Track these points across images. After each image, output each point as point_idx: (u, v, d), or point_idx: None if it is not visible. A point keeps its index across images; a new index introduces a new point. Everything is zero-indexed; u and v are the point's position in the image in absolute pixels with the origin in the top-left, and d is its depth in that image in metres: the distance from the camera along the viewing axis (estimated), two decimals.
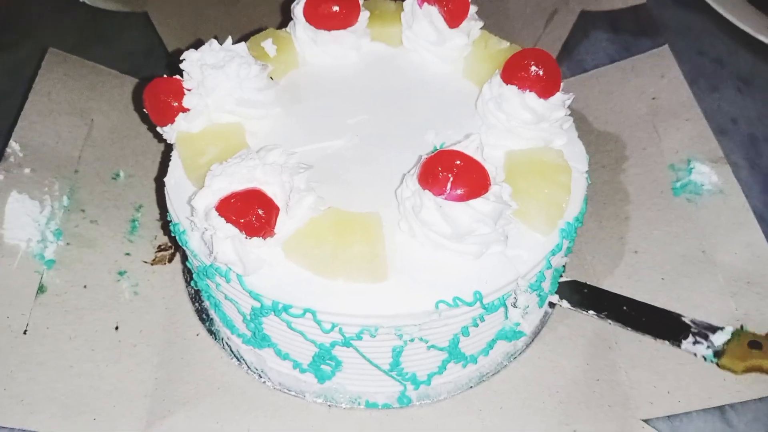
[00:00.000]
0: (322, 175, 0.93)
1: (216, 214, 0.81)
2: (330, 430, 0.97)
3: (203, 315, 1.08)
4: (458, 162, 0.80)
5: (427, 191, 0.81)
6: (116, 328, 1.05)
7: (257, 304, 0.86)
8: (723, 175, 1.18)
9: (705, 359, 0.98)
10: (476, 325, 0.88)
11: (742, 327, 1.01)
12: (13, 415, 0.95)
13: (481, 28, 1.09)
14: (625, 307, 1.04)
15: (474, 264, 0.85)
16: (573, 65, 1.47)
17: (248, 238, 0.81)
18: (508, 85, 0.94)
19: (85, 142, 1.26)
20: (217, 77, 0.95)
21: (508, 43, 1.06)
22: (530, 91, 0.93)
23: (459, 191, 0.79)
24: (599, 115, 1.35)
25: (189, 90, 0.96)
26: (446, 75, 1.08)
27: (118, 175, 1.25)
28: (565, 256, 0.98)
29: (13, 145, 1.20)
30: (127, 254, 1.14)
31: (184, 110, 0.96)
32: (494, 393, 1.00)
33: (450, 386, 1.00)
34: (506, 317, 0.93)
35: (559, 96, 0.95)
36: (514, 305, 0.90)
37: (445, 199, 0.80)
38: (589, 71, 1.43)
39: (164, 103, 0.96)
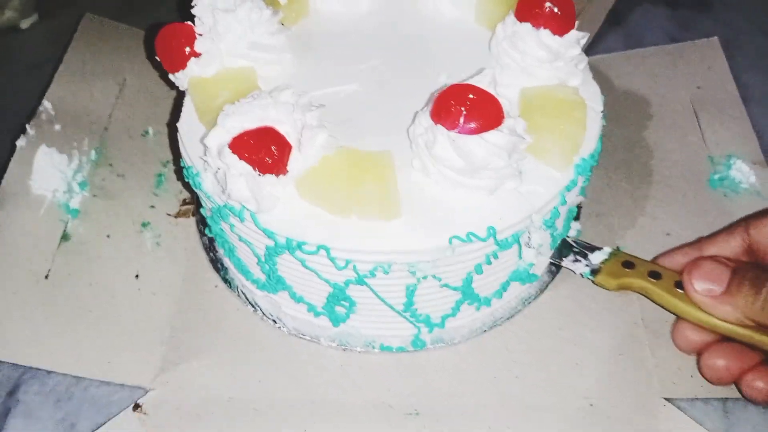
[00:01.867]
0: (335, 117, 0.93)
1: (229, 151, 0.81)
2: (345, 374, 0.98)
3: (218, 264, 1.09)
4: (471, 95, 0.79)
5: (439, 126, 0.81)
6: (136, 276, 1.07)
7: (271, 243, 0.86)
8: (762, 177, 1.16)
9: (582, 276, 1.00)
10: (489, 263, 0.88)
11: (618, 248, 1.02)
12: (28, 355, 0.97)
13: None
14: None
15: (488, 200, 0.85)
16: (620, 37, 1.44)
17: (261, 175, 0.82)
18: (522, 23, 0.93)
19: (117, 101, 1.28)
20: (228, 21, 0.95)
21: None
22: (545, 28, 0.92)
23: (472, 124, 0.79)
24: (642, 95, 1.32)
25: (200, 35, 0.96)
26: (458, 19, 1.08)
27: (147, 132, 1.26)
28: (580, 194, 0.97)
29: (45, 104, 1.23)
30: (152, 207, 1.15)
31: (196, 55, 0.96)
32: (508, 339, 1.00)
33: (464, 330, 1.00)
34: (520, 256, 0.93)
35: (574, 33, 0.94)
36: (528, 244, 0.89)
37: (459, 132, 0.79)
38: (635, 48, 1.41)
39: (176, 48, 0.96)
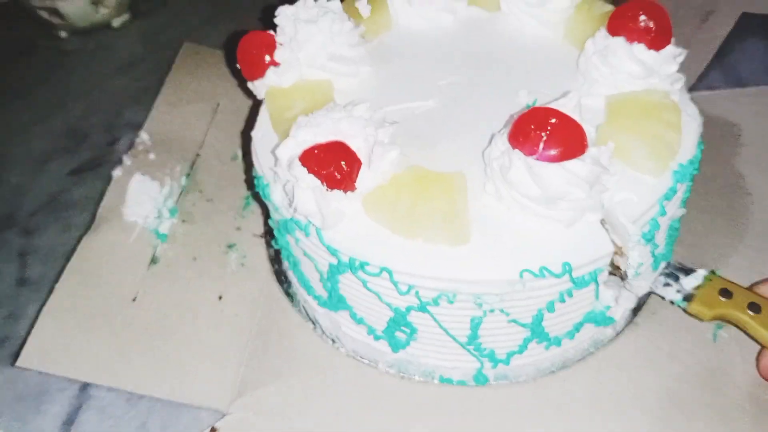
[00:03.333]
0: (409, 134, 0.90)
1: (299, 164, 0.79)
2: (401, 403, 0.93)
3: (281, 277, 1.07)
4: (553, 120, 0.74)
5: (517, 150, 0.76)
6: (220, 297, 1.07)
7: (334, 261, 0.83)
8: None
9: (673, 303, 0.92)
10: (563, 301, 0.82)
11: (713, 272, 0.93)
12: (111, 375, 0.98)
13: None
14: None
15: (565, 233, 0.79)
16: (726, 73, 1.35)
17: (329, 190, 0.79)
18: (615, 37, 0.88)
19: (210, 126, 1.31)
20: (309, 31, 0.94)
21: (613, 7, 0.99)
22: (639, 42, 0.87)
23: (552, 151, 0.74)
24: (754, 138, 1.23)
25: (281, 44, 0.96)
26: (545, 38, 1.03)
27: (236, 156, 1.27)
28: (681, 206, 0.89)
29: (143, 136, 1.29)
30: (238, 229, 1.16)
31: (275, 64, 0.95)
32: (577, 383, 0.93)
33: (530, 369, 0.94)
34: (597, 297, 0.86)
35: (670, 49, 0.87)
36: (626, 267, 0.83)
37: (537, 159, 0.74)
38: (744, 84, 1.32)
39: (256, 56, 0.96)
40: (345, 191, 0.80)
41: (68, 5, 1.49)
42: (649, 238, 0.82)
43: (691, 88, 1.30)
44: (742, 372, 0.93)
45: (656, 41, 0.87)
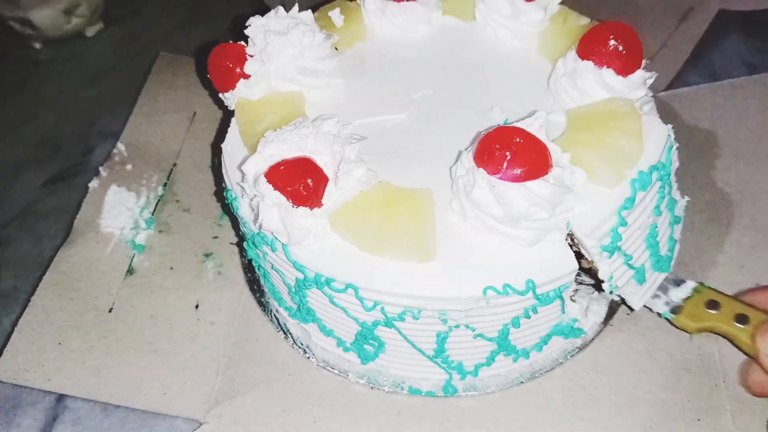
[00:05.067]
0: (379, 148, 0.90)
1: (264, 180, 0.79)
2: (371, 413, 0.94)
3: (254, 286, 1.07)
4: (517, 139, 0.74)
5: (481, 169, 0.76)
6: (196, 306, 1.07)
7: (301, 276, 0.84)
8: None
9: (660, 316, 0.93)
10: (528, 317, 0.83)
11: (702, 283, 0.93)
12: (86, 387, 0.98)
13: (560, 3, 1.02)
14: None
15: (529, 250, 0.79)
16: (703, 70, 1.35)
17: (295, 207, 0.79)
18: (584, 61, 0.87)
19: (186, 135, 1.31)
20: (279, 43, 0.94)
21: (589, 20, 0.99)
22: (608, 67, 0.86)
23: (516, 171, 0.74)
24: (731, 131, 1.23)
25: (251, 56, 0.95)
26: (520, 51, 1.02)
27: (214, 163, 1.27)
28: (655, 214, 0.87)
29: (120, 147, 1.28)
30: (215, 237, 1.16)
31: (246, 76, 0.95)
32: (547, 392, 0.94)
33: (499, 380, 0.95)
34: (563, 311, 0.87)
35: (639, 74, 0.87)
36: (601, 281, 0.83)
37: (500, 178, 0.75)
38: (720, 79, 1.32)
39: (226, 68, 0.96)
40: (311, 208, 0.80)
41: (40, 15, 1.47)
42: (611, 250, 0.82)
43: (670, 85, 1.31)
44: (721, 369, 0.94)
45: (625, 66, 0.86)
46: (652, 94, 0.92)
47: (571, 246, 0.84)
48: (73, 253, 1.13)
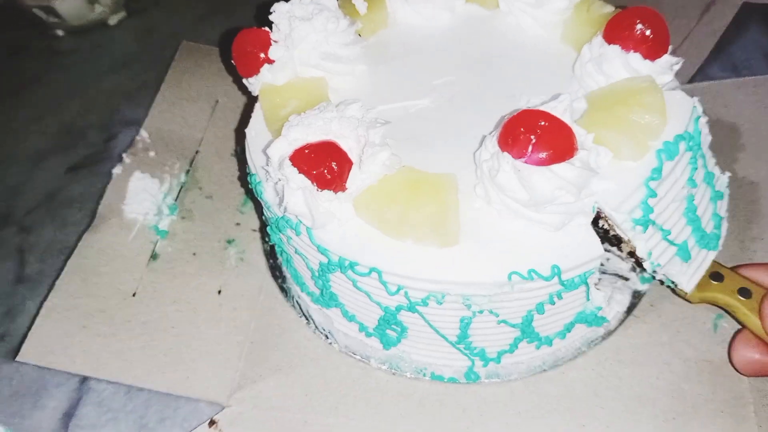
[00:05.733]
0: (402, 133, 0.90)
1: (289, 163, 0.80)
2: (392, 399, 0.94)
3: (276, 272, 1.08)
4: (542, 123, 0.74)
5: (506, 153, 0.76)
6: (219, 292, 1.07)
7: (325, 260, 0.84)
8: None
9: (662, 283, 0.93)
10: (553, 303, 0.82)
11: None
12: (110, 369, 1.00)
13: None
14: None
15: (555, 235, 0.79)
16: (725, 64, 1.33)
17: (319, 190, 0.79)
18: (611, 45, 0.87)
19: (209, 123, 1.32)
20: (304, 29, 0.94)
21: (613, 8, 0.98)
22: (635, 51, 0.85)
23: (541, 154, 0.74)
24: (755, 127, 1.21)
25: (276, 41, 0.96)
26: (543, 39, 1.01)
27: (236, 151, 1.28)
28: (689, 185, 0.86)
29: (143, 134, 1.29)
30: (237, 224, 1.17)
31: (270, 62, 0.95)
32: (569, 381, 0.94)
33: (522, 367, 0.94)
34: (587, 298, 0.87)
35: (666, 59, 0.86)
36: (636, 262, 0.83)
37: (525, 162, 0.74)
38: (741, 72, 1.30)
39: (250, 53, 0.96)
40: (335, 192, 0.80)
41: (64, 3, 1.48)
42: (644, 223, 0.81)
43: (692, 79, 1.30)
44: None
45: (652, 50, 0.85)
46: (677, 82, 0.91)
47: (608, 231, 0.83)
48: (97, 239, 1.14)
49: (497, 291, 0.79)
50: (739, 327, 0.92)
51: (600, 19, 0.96)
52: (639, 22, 0.86)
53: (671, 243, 0.86)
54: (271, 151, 0.82)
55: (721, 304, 0.91)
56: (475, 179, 0.82)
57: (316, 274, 0.89)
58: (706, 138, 0.90)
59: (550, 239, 0.79)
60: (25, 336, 1.03)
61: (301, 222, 0.83)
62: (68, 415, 0.97)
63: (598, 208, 0.81)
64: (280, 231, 0.90)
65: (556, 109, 0.76)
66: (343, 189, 0.81)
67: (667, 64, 0.87)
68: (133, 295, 1.08)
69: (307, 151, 0.80)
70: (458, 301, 0.81)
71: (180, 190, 1.21)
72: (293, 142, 0.81)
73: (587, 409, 0.91)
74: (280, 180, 0.81)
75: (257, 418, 0.94)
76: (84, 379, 1.00)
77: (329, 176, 0.79)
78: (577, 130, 0.77)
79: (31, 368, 1.01)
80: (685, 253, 0.88)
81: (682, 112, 0.85)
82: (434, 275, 0.79)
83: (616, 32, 0.87)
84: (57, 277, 1.10)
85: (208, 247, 1.14)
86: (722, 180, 0.97)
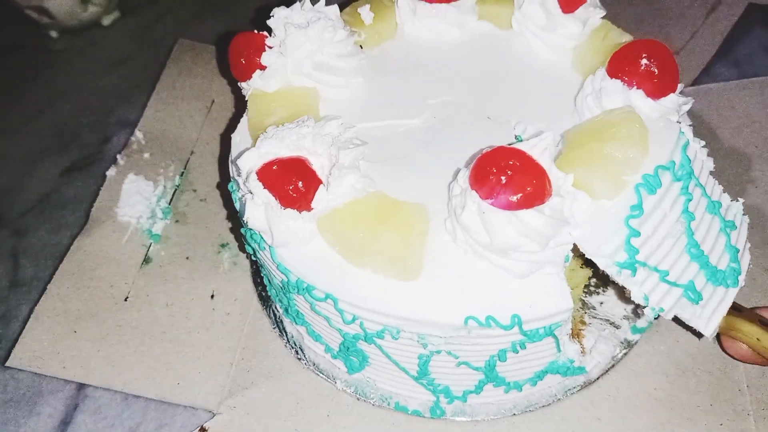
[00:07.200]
0: (383, 154, 0.86)
1: (255, 177, 0.77)
2: (354, 425, 0.91)
3: (257, 279, 1.06)
4: (512, 162, 0.69)
5: (473, 192, 0.71)
6: (212, 296, 1.06)
7: (285, 279, 0.81)
8: None
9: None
10: (516, 351, 0.78)
11: None
12: (100, 375, 0.98)
13: (604, 17, 0.95)
14: None
15: (521, 282, 0.74)
16: (730, 65, 1.30)
17: (283, 208, 0.77)
18: (613, 80, 0.81)
19: (204, 124, 1.30)
20: (298, 37, 0.91)
21: (631, 37, 0.91)
22: (638, 88, 0.79)
23: (509, 197, 0.69)
24: (762, 128, 1.18)
25: (270, 47, 0.93)
26: (553, 65, 0.95)
27: (223, 153, 1.26)
28: (687, 219, 0.79)
29: (137, 134, 1.28)
30: (231, 228, 1.15)
31: (262, 68, 0.93)
32: (545, 425, 0.89)
33: (491, 408, 0.90)
34: (558, 349, 0.81)
35: (673, 98, 0.79)
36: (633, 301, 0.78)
37: (492, 204, 0.69)
38: (748, 76, 1.27)
39: (245, 57, 0.94)
40: (299, 210, 0.77)
41: (56, 4, 1.45)
42: (630, 266, 0.75)
43: (697, 80, 1.28)
44: (744, 373, 0.90)
45: (657, 88, 0.79)
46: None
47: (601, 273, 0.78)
48: (89, 242, 1.13)
49: (453, 333, 0.74)
50: None
51: (613, 48, 0.90)
52: (645, 57, 0.79)
53: (673, 284, 0.80)
54: (241, 161, 0.80)
55: (742, 335, 0.83)
56: (446, 213, 0.78)
57: (281, 290, 0.87)
58: (705, 165, 0.83)
59: (516, 285, 0.74)
60: (17, 341, 1.02)
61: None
62: (64, 423, 0.96)
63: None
64: (248, 242, 0.88)
65: (535, 148, 0.71)
66: (308, 209, 0.78)
67: (674, 105, 0.80)
68: (125, 299, 1.06)
69: (275, 168, 0.78)
70: (414, 339, 0.77)
71: (174, 193, 1.20)
72: (264, 155, 0.79)
73: (581, 419, 0.88)
74: (244, 194, 0.79)
75: (248, 426, 0.92)
76: (80, 386, 0.98)
77: (294, 195, 0.77)
78: (554, 173, 0.71)
79: (26, 375, 1.00)
80: (694, 294, 0.81)
81: (666, 140, 0.78)
82: (389, 309, 0.75)
83: (619, 66, 0.81)
84: (49, 282, 1.09)
85: (202, 251, 1.12)
86: (734, 208, 0.89)
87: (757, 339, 0.82)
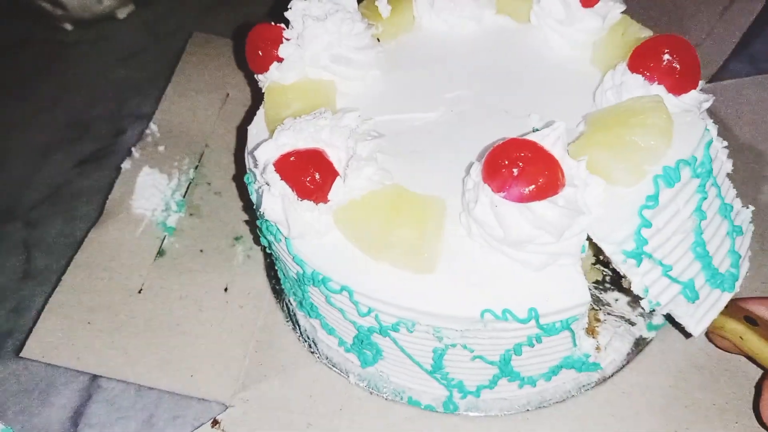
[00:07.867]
0: (400, 147, 0.86)
1: (272, 169, 0.77)
2: (366, 420, 0.91)
3: (271, 272, 1.06)
4: (524, 154, 0.68)
5: (486, 185, 0.70)
6: (225, 289, 1.06)
7: (300, 270, 0.81)
8: None
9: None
10: (532, 345, 0.77)
11: None
12: (114, 367, 0.99)
13: (623, 12, 0.94)
14: None
15: (537, 275, 0.73)
16: (745, 61, 1.29)
17: (299, 199, 0.77)
18: (634, 74, 0.80)
19: (218, 117, 1.30)
20: (316, 29, 0.91)
21: (651, 32, 0.90)
22: (659, 83, 0.78)
23: (521, 190, 0.68)
24: None
25: (287, 39, 0.93)
26: (571, 60, 0.95)
27: (239, 145, 1.25)
28: (698, 217, 0.78)
29: (152, 127, 1.28)
30: (246, 221, 1.15)
31: (280, 60, 0.93)
32: (556, 425, 0.88)
33: (504, 403, 0.89)
34: (574, 344, 0.81)
35: (694, 95, 0.79)
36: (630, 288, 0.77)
37: (504, 197, 0.69)
38: (764, 72, 1.26)
39: (262, 49, 0.94)
40: (316, 202, 0.77)
41: None
42: (637, 256, 0.75)
43: (714, 77, 1.27)
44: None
45: (679, 84, 0.78)
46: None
47: (607, 265, 0.77)
48: (104, 234, 1.14)
49: (469, 327, 0.74)
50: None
51: (633, 43, 0.89)
52: (667, 52, 0.78)
53: (674, 280, 0.79)
54: (258, 153, 0.80)
55: (727, 332, 0.84)
56: (461, 207, 0.78)
57: (296, 283, 0.87)
58: (723, 166, 0.82)
59: (532, 278, 0.74)
60: (31, 332, 1.03)
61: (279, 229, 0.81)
62: (78, 414, 0.96)
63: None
64: (263, 234, 0.88)
65: (547, 139, 0.70)
66: (325, 200, 0.78)
67: (694, 101, 0.79)
68: (139, 291, 1.07)
69: (292, 159, 0.78)
70: (429, 332, 0.77)
71: (188, 186, 1.20)
72: (281, 147, 0.79)
73: (595, 415, 0.88)
74: (261, 185, 0.79)
75: (261, 419, 0.92)
76: (94, 377, 0.99)
77: (311, 186, 0.77)
78: (567, 162, 0.71)
79: (39, 365, 1.00)
80: (691, 293, 0.80)
81: (690, 135, 0.77)
82: (405, 302, 0.75)
83: (640, 60, 0.81)
84: (63, 273, 1.09)
85: (216, 244, 1.12)
86: (743, 214, 0.89)
87: (741, 338, 0.82)
